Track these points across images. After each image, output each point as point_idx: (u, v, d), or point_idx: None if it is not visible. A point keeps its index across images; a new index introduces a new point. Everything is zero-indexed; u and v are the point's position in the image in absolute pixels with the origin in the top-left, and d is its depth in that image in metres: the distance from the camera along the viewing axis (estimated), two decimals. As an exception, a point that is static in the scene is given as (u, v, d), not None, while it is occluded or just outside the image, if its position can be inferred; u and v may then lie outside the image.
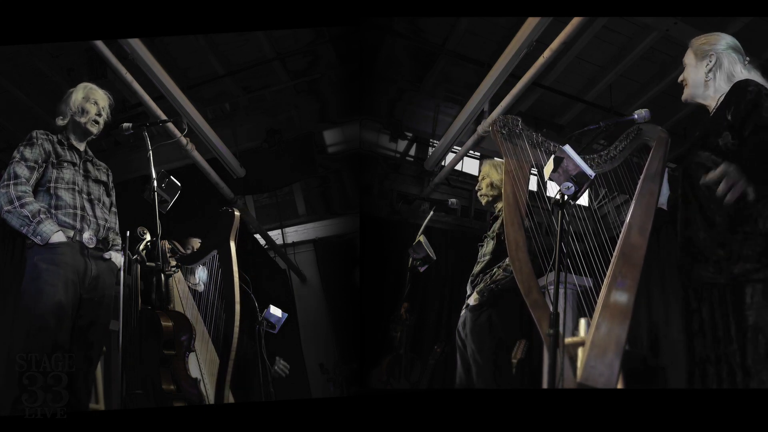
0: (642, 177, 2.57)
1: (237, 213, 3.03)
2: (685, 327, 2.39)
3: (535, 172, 2.71)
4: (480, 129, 4.46)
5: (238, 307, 2.91)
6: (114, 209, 3.00)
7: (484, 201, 3.57)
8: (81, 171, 2.87)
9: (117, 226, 2.98)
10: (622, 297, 2.29)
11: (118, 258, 2.86)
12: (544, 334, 2.36)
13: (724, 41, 2.39)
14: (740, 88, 2.28)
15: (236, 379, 2.95)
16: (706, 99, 2.42)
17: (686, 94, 2.46)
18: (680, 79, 2.49)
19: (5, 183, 2.69)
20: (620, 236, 2.43)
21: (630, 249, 2.38)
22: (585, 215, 2.62)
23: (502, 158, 2.74)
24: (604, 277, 2.37)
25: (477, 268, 3.43)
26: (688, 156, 2.42)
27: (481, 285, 3.31)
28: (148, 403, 2.73)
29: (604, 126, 2.60)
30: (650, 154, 2.61)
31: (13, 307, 4.15)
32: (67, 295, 2.65)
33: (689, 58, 2.44)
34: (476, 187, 3.61)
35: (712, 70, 2.37)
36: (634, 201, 2.50)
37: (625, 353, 2.22)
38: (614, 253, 2.39)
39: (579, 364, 2.23)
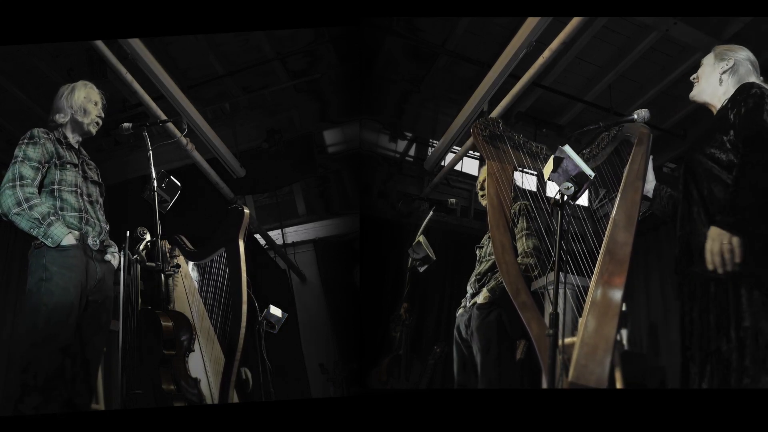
0: (625, 173, 2.59)
1: (246, 211, 3.01)
2: (680, 324, 2.39)
3: (534, 174, 2.71)
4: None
5: (245, 307, 2.90)
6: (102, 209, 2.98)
7: (484, 202, 3.56)
8: (80, 172, 2.85)
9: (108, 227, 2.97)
10: (609, 294, 2.29)
11: (114, 259, 2.87)
12: (533, 335, 2.37)
13: (745, 53, 2.46)
14: (745, 89, 2.33)
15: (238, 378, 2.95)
16: (713, 99, 2.46)
17: (695, 91, 2.51)
18: (693, 76, 2.53)
19: (11, 184, 2.65)
20: (605, 233, 2.44)
21: (615, 246, 2.39)
22: (585, 215, 2.62)
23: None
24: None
25: (484, 267, 3.41)
26: (690, 153, 2.43)
27: (492, 283, 3.29)
28: (148, 403, 2.73)
29: (604, 126, 2.62)
30: (632, 151, 2.63)
31: (14, 303, 4.14)
32: (76, 297, 2.65)
33: (708, 59, 2.50)
34: (478, 188, 3.61)
35: (727, 72, 2.43)
36: (618, 198, 2.51)
37: (625, 353, 2.22)
38: (600, 251, 2.40)
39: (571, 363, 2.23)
